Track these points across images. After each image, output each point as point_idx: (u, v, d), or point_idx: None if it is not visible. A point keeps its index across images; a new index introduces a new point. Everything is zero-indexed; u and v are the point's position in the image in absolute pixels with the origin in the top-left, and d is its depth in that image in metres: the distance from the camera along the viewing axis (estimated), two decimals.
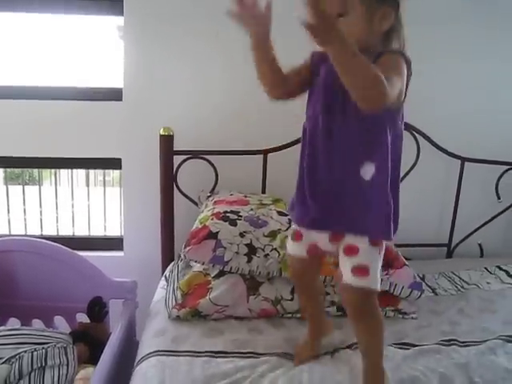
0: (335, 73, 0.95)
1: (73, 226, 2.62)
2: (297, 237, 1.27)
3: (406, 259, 1.70)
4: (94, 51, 2.21)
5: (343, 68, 0.94)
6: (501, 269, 2.03)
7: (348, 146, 1.11)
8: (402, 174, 2.05)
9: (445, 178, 2.23)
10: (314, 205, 1.16)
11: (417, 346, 1.41)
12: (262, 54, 1.13)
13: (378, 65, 0.98)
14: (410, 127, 2.07)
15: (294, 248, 1.29)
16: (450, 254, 2.27)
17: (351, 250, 1.14)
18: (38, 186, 2.68)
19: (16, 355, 1.46)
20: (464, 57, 2.12)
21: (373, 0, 1.05)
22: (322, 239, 1.21)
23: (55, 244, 1.85)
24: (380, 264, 1.17)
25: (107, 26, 2.22)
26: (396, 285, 1.59)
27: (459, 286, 1.87)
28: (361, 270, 1.12)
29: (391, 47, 1.11)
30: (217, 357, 1.31)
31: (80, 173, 3.48)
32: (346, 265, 1.15)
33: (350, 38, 0.95)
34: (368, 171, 1.10)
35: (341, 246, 1.17)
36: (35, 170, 2.90)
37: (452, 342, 1.43)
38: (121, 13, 2.00)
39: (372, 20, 1.06)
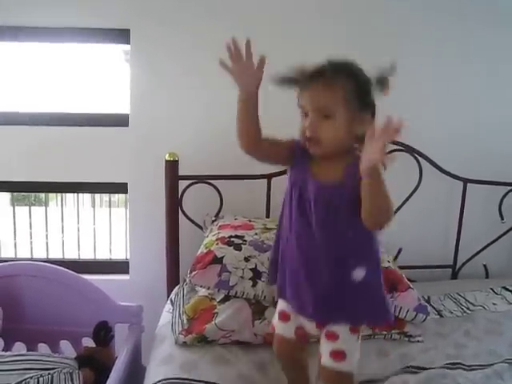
0: (328, 191, 1.11)
1: (78, 248, 2.63)
2: (284, 317, 1.29)
3: (411, 281, 1.71)
4: (99, 75, 2.25)
5: (374, 194, 1.04)
6: (507, 289, 2.02)
7: (339, 256, 1.16)
8: (405, 196, 2.11)
9: (448, 200, 2.24)
10: (311, 300, 1.18)
11: (423, 369, 1.41)
12: (247, 107, 1.17)
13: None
14: (411, 150, 2.09)
15: (281, 328, 1.31)
16: (455, 275, 2.27)
17: (332, 336, 1.19)
18: (44, 207, 2.70)
19: (22, 381, 1.46)
20: (463, 77, 2.15)
21: (356, 107, 1.11)
22: (308, 324, 1.25)
23: (61, 268, 1.86)
24: (358, 349, 1.22)
25: (113, 50, 2.26)
26: (401, 308, 1.59)
27: (465, 308, 1.86)
28: (338, 355, 1.19)
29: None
30: None
31: (86, 194, 3.50)
32: (325, 348, 1.21)
33: (334, 140, 1.11)
34: (359, 274, 1.16)
35: (323, 330, 1.22)
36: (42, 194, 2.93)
37: (457, 366, 1.43)
38: (127, 41, 2.05)
39: (353, 124, 1.11)
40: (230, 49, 1.12)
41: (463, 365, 1.44)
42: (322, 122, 1.11)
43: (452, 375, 1.38)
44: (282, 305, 1.30)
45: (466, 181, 2.16)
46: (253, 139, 1.19)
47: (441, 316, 1.79)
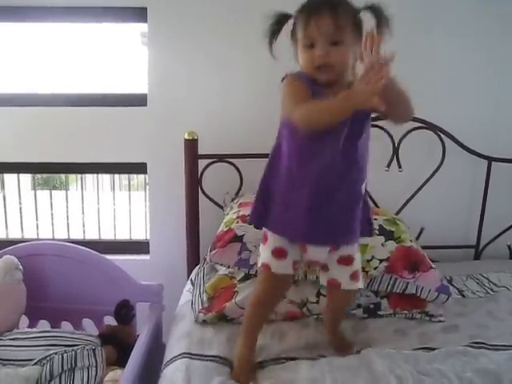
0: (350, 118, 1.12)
1: (99, 229, 2.66)
2: (281, 254, 1.27)
3: (434, 261, 1.68)
4: (117, 57, 2.24)
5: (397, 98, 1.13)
6: None
7: (361, 166, 1.23)
8: (428, 175, 2.07)
9: (471, 179, 2.19)
10: (324, 223, 1.22)
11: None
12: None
13: None
14: (434, 127, 2.04)
15: (279, 266, 1.28)
16: (477, 256, 2.23)
17: (348, 261, 1.29)
18: (64, 191, 2.73)
19: (47, 357, 1.49)
20: (490, 53, 2.09)
21: (357, 31, 1.17)
22: (321, 252, 1.28)
23: (83, 248, 1.88)
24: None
25: (131, 32, 2.25)
26: (423, 288, 1.57)
27: (488, 289, 1.83)
28: (356, 276, 1.31)
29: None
30: None
31: (105, 178, 3.54)
32: (343, 274, 1.30)
33: (343, 64, 1.16)
34: (363, 185, 1.25)
35: (334, 256, 1.29)
36: (62, 176, 2.95)
37: (480, 345, 1.41)
38: (145, 20, 2.03)
39: (354, 51, 1.16)
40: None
41: (486, 344, 1.42)
42: (331, 49, 1.14)
43: (473, 354, 1.35)
44: (276, 242, 1.27)
45: (490, 159, 2.11)
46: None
47: (463, 296, 1.77)
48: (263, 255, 1.31)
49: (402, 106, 1.16)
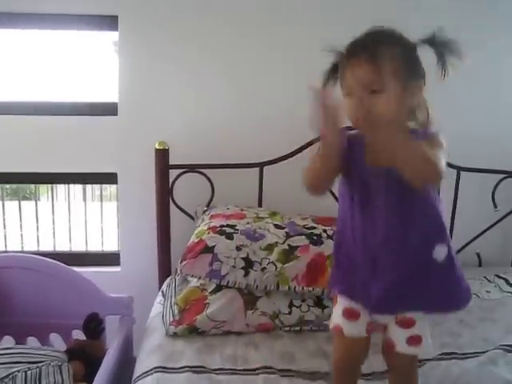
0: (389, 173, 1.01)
1: (70, 241, 2.61)
2: (353, 315, 1.15)
3: None
4: (89, 67, 2.21)
5: (404, 159, 0.97)
6: (500, 277, 2.02)
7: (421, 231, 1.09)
8: None
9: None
10: (381, 291, 1.10)
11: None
12: (331, 161, 1.07)
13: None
14: None
15: (351, 328, 1.15)
16: None
17: (407, 323, 1.13)
18: (34, 202, 2.67)
19: (9, 375, 1.44)
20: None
21: (406, 76, 1.02)
22: (380, 316, 1.16)
23: (50, 260, 1.84)
24: (429, 330, 1.17)
25: (103, 42, 2.22)
26: None
27: None
28: (415, 340, 1.13)
29: (417, 120, 1.11)
30: (216, 373, 1.30)
31: (77, 188, 3.47)
32: (400, 336, 1.13)
33: (388, 115, 1.00)
34: (440, 252, 1.09)
35: (395, 317, 1.14)
36: (32, 186, 2.89)
37: (452, 356, 1.42)
38: (115, 28, 2.01)
39: (405, 96, 1.03)
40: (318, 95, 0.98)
41: (458, 354, 1.43)
42: (371, 99, 1.01)
43: (446, 365, 1.37)
44: (345, 303, 1.16)
45: (459, 169, 2.14)
46: (330, 184, 1.15)
47: None
48: (334, 315, 1.20)
49: (409, 168, 0.98)
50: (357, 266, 1.13)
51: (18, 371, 1.44)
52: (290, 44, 2.02)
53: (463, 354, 1.43)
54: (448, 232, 1.13)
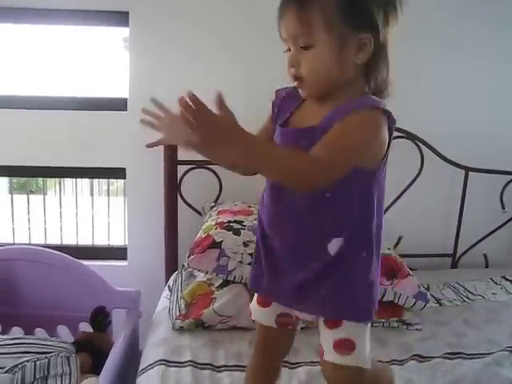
0: (293, 139, 0.93)
1: (77, 235, 2.62)
2: (263, 303, 1.09)
3: (411, 269, 1.70)
4: (99, 62, 2.22)
5: (257, 166, 0.85)
6: (506, 279, 2.02)
7: (314, 225, 0.95)
8: (406, 184, 2.08)
9: (449, 188, 2.22)
10: (282, 285, 1.00)
11: (422, 357, 1.40)
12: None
13: (339, 126, 0.85)
14: (413, 137, 2.07)
15: (259, 314, 1.10)
16: (454, 265, 2.26)
17: (334, 322, 0.97)
18: (42, 196, 2.69)
19: (18, 364, 1.46)
20: (467, 63, 2.12)
21: (344, 26, 0.85)
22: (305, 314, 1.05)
23: (59, 253, 1.86)
24: (368, 339, 0.99)
25: (113, 38, 2.23)
26: (400, 295, 1.58)
27: (464, 297, 1.86)
28: (344, 345, 0.95)
29: (372, 84, 0.93)
30: (218, 371, 1.31)
31: (84, 182, 3.49)
32: (327, 338, 0.98)
33: (318, 74, 0.88)
34: (334, 245, 0.93)
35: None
36: (40, 180, 2.91)
37: (457, 356, 1.42)
38: (126, 24, 2.02)
39: (344, 51, 0.87)
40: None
41: (463, 353, 1.44)
42: (301, 55, 0.88)
43: (451, 365, 1.37)
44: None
45: (467, 169, 2.14)
46: None
47: (440, 305, 1.79)
48: (253, 300, 1.14)
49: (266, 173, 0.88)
50: (262, 249, 1.03)
51: (28, 361, 1.46)
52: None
53: (468, 355, 1.43)
54: (363, 226, 0.94)
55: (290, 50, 0.91)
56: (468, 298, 1.85)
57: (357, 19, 0.86)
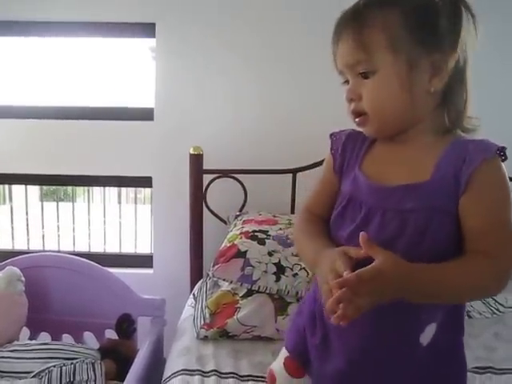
0: (398, 202, 0.73)
1: (104, 242, 2.66)
2: (296, 371, 0.90)
3: None
4: (127, 72, 2.27)
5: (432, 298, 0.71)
6: None
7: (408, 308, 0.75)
8: None
9: None
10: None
11: None
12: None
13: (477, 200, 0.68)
14: None
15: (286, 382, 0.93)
16: None
17: None
18: (71, 203, 2.74)
19: (45, 369, 1.48)
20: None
21: (412, 45, 0.70)
22: None
23: (86, 261, 1.88)
24: None
25: (140, 47, 2.27)
26: None
27: (494, 309, 1.80)
28: None
29: (452, 116, 0.75)
30: (242, 380, 1.30)
31: (112, 190, 3.55)
32: None
33: (384, 107, 0.73)
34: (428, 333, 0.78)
35: None
36: (69, 188, 2.97)
37: (487, 370, 1.38)
38: (153, 35, 2.06)
39: (415, 77, 0.71)
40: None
41: (493, 368, 1.39)
42: (362, 85, 0.74)
43: (480, 379, 1.33)
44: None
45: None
46: None
47: (469, 317, 1.74)
48: (277, 359, 1.01)
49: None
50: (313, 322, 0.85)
51: (54, 366, 1.48)
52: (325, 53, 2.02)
53: (499, 369, 1.39)
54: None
55: (347, 82, 0.78)
56: (498, 310, 1.79)
57: (429, 36, 0.70)
